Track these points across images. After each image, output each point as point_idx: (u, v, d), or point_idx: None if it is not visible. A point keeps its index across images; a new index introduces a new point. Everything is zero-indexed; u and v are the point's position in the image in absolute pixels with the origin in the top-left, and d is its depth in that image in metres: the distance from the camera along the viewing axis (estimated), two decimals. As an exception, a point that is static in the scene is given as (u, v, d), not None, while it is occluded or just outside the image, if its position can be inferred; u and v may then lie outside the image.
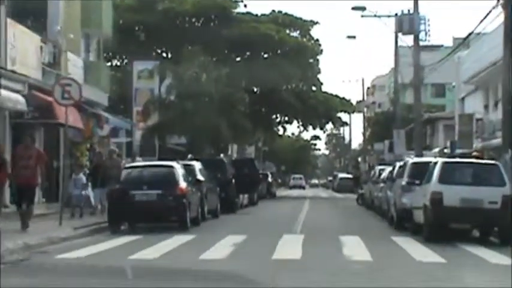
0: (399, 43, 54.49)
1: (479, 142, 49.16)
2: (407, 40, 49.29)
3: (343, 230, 24.65)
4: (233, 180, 35.61)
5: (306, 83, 65.69)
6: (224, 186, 34.50)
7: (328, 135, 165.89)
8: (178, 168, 24.83)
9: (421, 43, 45.22)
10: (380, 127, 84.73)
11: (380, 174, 39.09)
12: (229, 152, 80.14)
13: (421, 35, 45.02)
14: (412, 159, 27.91)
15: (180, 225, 23.90)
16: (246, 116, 60.77)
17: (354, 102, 79.70)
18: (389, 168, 35.10)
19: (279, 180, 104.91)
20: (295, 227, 26.27)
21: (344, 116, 71.65)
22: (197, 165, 30.20)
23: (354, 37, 56.41)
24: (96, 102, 39.50)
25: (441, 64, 48.39)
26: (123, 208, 23.32)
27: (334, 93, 68.02)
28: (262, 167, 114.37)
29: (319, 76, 68.25)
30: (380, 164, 49.81)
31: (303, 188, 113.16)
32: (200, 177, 29.07)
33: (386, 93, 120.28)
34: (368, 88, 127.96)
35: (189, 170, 27.63)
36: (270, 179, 63.20)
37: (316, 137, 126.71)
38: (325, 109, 64.91)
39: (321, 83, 68.38)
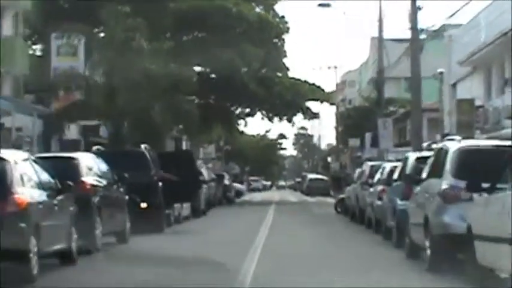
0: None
1: (479, 134, 39.44)
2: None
3: (338, 279, 12.63)
4: (159, 184, 23.46)
5: (270, 66, 53.67)
6: (144, 193, 22.48)
7: (295, 134, 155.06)
8: (16, 165, 12.42)
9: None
10: (353, 122, 73.64)
11: (372, 174, 27.20)
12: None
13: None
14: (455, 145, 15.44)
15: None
16: (196, 103, 49.05)
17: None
18: (390, 166, 23.30)
19: (243, 183, 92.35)
20: (244, 272, 13.79)
21: (314, 107, 59.75)
22: (87, 159, 17.92)
23: (328, 5, 43.97)
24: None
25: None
26: None
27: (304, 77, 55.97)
28: (224, 168, 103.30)
29: (285, 60, 56.38)
30: (365, 160, 38.39)
31: (259, 190, 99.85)
32: (85, 179, 16.89)
33: (357, 89, 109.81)
34: (337, 84, 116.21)
35: (62, 168, 15.55)
36: (227, 181, 50.91)
37: (283, 136, 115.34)
38: (292, 97, 52.84)
39: (287, 68, 56.44)
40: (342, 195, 36.09)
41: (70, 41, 39.26)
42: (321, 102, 57.61)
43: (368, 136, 48.57)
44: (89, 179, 17.12)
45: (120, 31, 31.84)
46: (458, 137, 14.32)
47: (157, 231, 22.83)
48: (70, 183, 14.14)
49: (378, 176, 24.87)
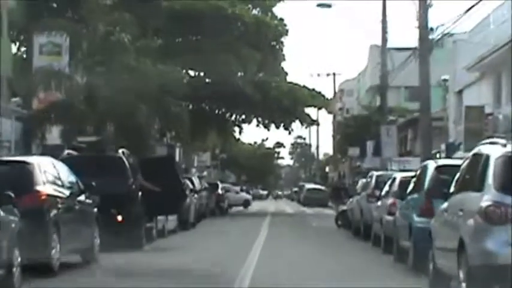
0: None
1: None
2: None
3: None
4: (139, 194, 20.39)
5: (267, 71, 50.70)
6: (121, 204, 19.47)
7: (292, 144, 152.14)
8: None
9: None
10: (352, 131, 70.80)
11: (378, 185, 24.22)
12: (178, 159, 65.04)
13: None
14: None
15: None
16: (190, 109, 46.12)
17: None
18: (401, 176, 20.37)
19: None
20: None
21: (313, 114, 56.76)
22: (45, 165, 14.78)
23: (329, 6, 41.00)
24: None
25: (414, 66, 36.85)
26: None
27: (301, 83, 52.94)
28: (220, 176, 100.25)
29: (283, 64, 53.48)
30: (368, 170, 35.35)
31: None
32: (41, 188, 13.82)
33: (355, 98, 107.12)
34: (335, 93, 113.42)
35: (14, 175, 12.64)
36: (220, 191, 47.81)
37: (280, 145, 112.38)
38: (290, 103, 49.78)
39: (286, 73, 53.52)
40: (343, 208, 33.04)
41: (53, 39, 36.13)
42: (320, 108, 54.63)
43: (370, 144, 45.61)
44: (46, 188, 14.10)
45: (101, 25, 28.77)
46: (502, 140, 11.22)
47: (136, 247, 19.80)
48: (10, 193, 11.13)
49: (386, 187, 21.88)
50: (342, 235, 28.46)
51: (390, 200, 19.88)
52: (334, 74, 78.23)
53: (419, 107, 31.24)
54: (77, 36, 29.74)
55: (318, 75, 77.16)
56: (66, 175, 15.61)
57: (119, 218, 19.52)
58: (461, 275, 10.59)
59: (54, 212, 13.91)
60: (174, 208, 22.80)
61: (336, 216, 32.82)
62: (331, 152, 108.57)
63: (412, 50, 37.12)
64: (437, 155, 49.87)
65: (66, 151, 21.49)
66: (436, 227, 12.63)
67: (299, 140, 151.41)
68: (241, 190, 70.62)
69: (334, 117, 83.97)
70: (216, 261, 16.77)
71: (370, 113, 73.65)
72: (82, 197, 15.85)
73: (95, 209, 16.49)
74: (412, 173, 20.66)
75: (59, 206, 14.26)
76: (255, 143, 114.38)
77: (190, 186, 34.73)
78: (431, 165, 15.85)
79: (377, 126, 64.57)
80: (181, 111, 34.73)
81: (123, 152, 20.94)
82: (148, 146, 32.28)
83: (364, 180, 30.16)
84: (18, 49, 42.89)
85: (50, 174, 14.63)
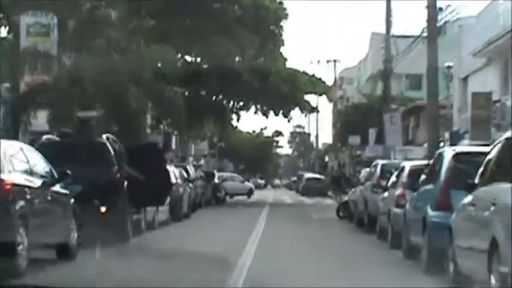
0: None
1: (495, 132, 35.10)
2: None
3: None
4: (124, 183, 18.60)
5: (266, 56, 48.85)
6: (104, 194, 17.72)
7: (291, 132, 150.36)
8: None
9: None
10: (353, 119, 69.10)
11: (383, 174, 22.50)
12: (173, 148, 63.29)
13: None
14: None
15: None
16: (186, 96, 44.48)
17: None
18: (411, 165, 18.69)
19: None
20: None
21: (313, 101, 55.02)
22: (12, 151, 12.99)
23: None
24: None
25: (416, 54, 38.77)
26: None
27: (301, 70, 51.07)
28: (219, 165, 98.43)
29: (282, 50, 51.61)
30: (368, 159, 33.55)
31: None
32: (6, 176, 12.02)
33: (355, 86, 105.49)
34: (335, 80, 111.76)
35: None
36: (216, 180, 46.03)
37: (279, 133, 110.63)
38: (290, 89, 47.95)
39: (285, 59, 51.68)
40: (344, 198, 31.31)
41: (41, 19, 34.20)
42: (320, 95, 52.84)
43: (372, 132, 43.81)
44: (12, 177, 12.33)
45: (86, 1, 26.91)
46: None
47: (122, 241, 18.05)
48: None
49: (393, 177, 20.13)
50: (345, 227, 26.69)
51: (399, 191, 18.14)
52: (334, 61, 76.45)
53: (426, 92, 29.47)
54: (62, 13, 27.85)
55: (318, 62, 75.48)
56: (38, 162, 13.84)
57: (102, 209, 17.76)
58: (493, 280, 8.86)
59: (21, 203, 12.13)
60: (159, 199, 20.95)
61: (337, 207, 31.07)
62: (330, 142, 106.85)
63: (417, 37, 35.59)
64: (441, 144, 48.31)
65: (45, 136, 19.67)
66: (459, 223, 10.87)
67: (298, 129, 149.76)
68: (246, 180, 69.48)
69: (335, 105, 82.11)
70: (206, 260, 14.99)
71: (370, 102, 72.10)
72: (56, 187, 14.07)
73: (72, 200, 14.70)
74: (422, 162, 18.96)
75: (28, 196, 12.50)
76: (254, 131, 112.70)
77: (185, 175, 33.01)
78: (448, 152, 14.06)
79: (378, 115, 63.06)
80: (175, 96, 32.89)
81: (107, 138, 19.14)
82: (140, 132, 30.47)
83: (367, 169, 28.43)
84: (9, 32, 41.10)
85: (18, 161, 12.87)
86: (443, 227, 12.23)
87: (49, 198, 13.44)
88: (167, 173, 20.63)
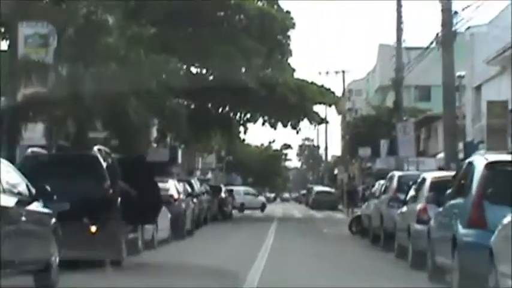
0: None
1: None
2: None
3: None
4: (118, 200, 16.78)
5: (273, 66, 47.06)
6: (95, 212, 15.94)
7: (300, 145, 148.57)
8: None
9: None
10: (362, 131, 67.40)
11: (400, 187, 20.70)
12: (180, 161, 61.51)
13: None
14: None
15: None
16: (192, 109, 42.86)
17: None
18: (432, 176, 16.93)
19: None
20: None
21: (322, 113, 53.16)
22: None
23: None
24: None
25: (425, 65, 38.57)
26: None
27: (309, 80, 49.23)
28: (227, 179, 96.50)
29: (290, 61, 49.77)
30: (379, 171, 31.62)
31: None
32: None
33: (364, 98, 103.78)
34: (344, 90, 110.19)
35: None
36: (223, 194, 44.20)
37: (288, 146, 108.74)
38: (298, 100, 46.14)
39: (293, 69, 49.88)
40: (357, 213, 29.50)
41: (40, 29, 32.55)
42: (329, 106, 51.05)
43: (384, 143, 41.96)
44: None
45: (83, 6, 25.18)
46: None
47: (115, 263, 16.28)
48: None
49: (411, 191, 18.29)
50: (358, 244, 24.81)
51: (420, 206, 16.31)
52: (343, 72, 74.38)
53: (442, 99, 27.66)
54: (58, 21, 26.13)
55: (327, 73, 73.36)
56: (13, 178, 12.06)
57: (93, 228, 15.96)
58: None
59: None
60: (147, 217, 18.96)
61: (350, 221, 29.20)
62: (339, 154, 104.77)
63: (430, 43, 33.90)
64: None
65: (30, 149, 17.92)
66: (502, 245, 9.05)
67: (307, 142, 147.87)
68: (259, 194, 68.93)
69: (344, 117, 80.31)
70: (209, 279, 13.19)
71: (380, 113, 70.31)
72: (34, 206, 12.28)
73: (53, 220, 12.89)
74: (445, 173, 17.16)
75: (-1, 216, 10.72)
76: (262, 145, 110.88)
77: (189, 189, 31.25)
78: (480, 161, 12.21)
79: (387, 127, 61.32)
80: (178, 107, 31.10)
81: (99, 150, 17.34)
82: (143, 145, 28.70)
83: (381, 181, 26.60)
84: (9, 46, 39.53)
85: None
86: (478, 248, 10.47)
87: (24, 218, 11.64)
88: (156, 188, 18.56)
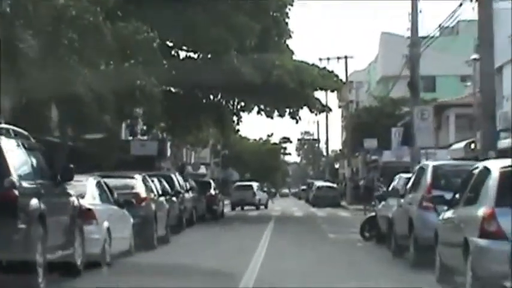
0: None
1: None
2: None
3: None
4: (32, 203, 10.90)
5: (269, 46, 41.12)
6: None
7: (299, 139, 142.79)
8: None
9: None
10: (366, 122, 62.05)
11: (437, 182, 14.86)
12: (169, 154, 55.73)
13: None
14: None
15: None
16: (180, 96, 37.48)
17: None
18: (500, 167, 11.02)
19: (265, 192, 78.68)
20: None
21: (322, 97, 47.31)
22: None
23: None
24: None
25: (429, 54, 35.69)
26: None
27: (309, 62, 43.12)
28: (223, 174, 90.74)
29: (289, 42, 43.89)
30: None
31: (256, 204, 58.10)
32: None
33: (365, 90, 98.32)
34: (347, 78, 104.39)
35: None
36: (213, 192, 38.14)
37: (287, 140, 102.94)
38: (297, 85, 40.17)
39: (292, 51, 44.00)
40: (370, 214, 23.64)
41: None
42: (332, 91, 45.15)
43: (396, 132, 35.87)
44: None
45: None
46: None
47: None
48: None
49: (464, 188, 12.41)
50: (376, 256, 18.86)
51: (485, 210, 10.41)
52: (346, 57, 68.21)
53: (480, 72, 21.92)
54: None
55: (328, 59, 67.04)
56: None
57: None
58: None
59: None
60: None
61: (363, 224, 23.24)
62: (339, 149, 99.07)
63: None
64: (472, 146, 40.82)
65: None
66: None
67: (306, 137, 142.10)
68: (264, 191, 66.19)
69: (347, 105, 74.54)
70: None
71: (383, 104, 64.86)
72: None
73: None
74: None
75: None
76: (260, 138, 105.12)
77: (166, 186, 25.49)
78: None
79: (392, 119, 55.98)
80: (150, 86, 25.16)
81: (7, 130, 11.53)
82: (99, 126, 22.85)
83: (402, 175, 20.76)
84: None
85: None
86: None
87: None
88: None
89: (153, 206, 20.16)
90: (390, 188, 21.15)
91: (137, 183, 20.27)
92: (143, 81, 24.49)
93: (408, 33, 33.49)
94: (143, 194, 19.98)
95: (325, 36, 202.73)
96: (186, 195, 30.00)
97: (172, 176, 28.54)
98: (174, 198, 26.01)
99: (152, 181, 23.23)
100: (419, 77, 71.24)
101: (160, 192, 22.79)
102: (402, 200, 17.11)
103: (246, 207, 54.55)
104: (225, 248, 20.74)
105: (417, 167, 17.33)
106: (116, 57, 22.44)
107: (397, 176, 21.42)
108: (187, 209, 29.39)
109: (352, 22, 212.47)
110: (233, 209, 53.12)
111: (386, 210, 19.85)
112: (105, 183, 17.15)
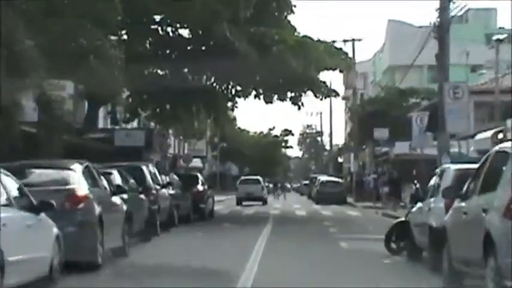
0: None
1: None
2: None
3: None
4: None
5: (268, 21, 34.93)
6: None
7: (300, 133, 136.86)
8: None
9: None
10: (374, 111, 56.99)
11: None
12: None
13: None
14: None
15: None
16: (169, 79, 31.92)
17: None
18: None
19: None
20: None
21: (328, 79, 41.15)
22: None
23: None
24: None
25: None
26: None
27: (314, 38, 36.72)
28: (222, 167, 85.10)
29: (290, 18, 37.70)
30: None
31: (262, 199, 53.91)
32: None
33: (370, 81, 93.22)
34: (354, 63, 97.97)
35: None
36: (200, 187, 31.73)
37: (288, 132, 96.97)
38: (299, 64, 33.88)
39: (294, 27, 37.70)
40: (404, 218, 17.31)
41: None
42: (341, 71, 38.98)
43: (417, 117, 29.33)
44: None
45: None
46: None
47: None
48: None
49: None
50: (415, 280, 12.65)
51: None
52: (353, 40, 61.72)
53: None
54: None
55: (334, 41, 60.60)
56: None
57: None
58: None
59: None
60: None
61: (388, 232, 16.93)
62: (341, 143, 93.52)
63: None
64: (500, 135, 35.20)
65: None
66: None
67: (308, 130, 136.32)
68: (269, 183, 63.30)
69: (354, 92, 68.61)
70: None
71: (390, 95, 60.00)
72: None
73: None
74: None
75: None
76: (262, 132, 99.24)
77: (131, 181, 19.39)
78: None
79: (400, 109, 51.00)
80: (111, 47, 18.99)
81: None
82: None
83: (452, 167, 14.49)
84: None
85: None
86: None
87: None
88: None
89: (95, 210, 13.90)
90: (432, 185, 14.84)
91: (75, 176, 14.07)
92: (98, 40, 18.39)
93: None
94: (81, 192, 13.78)
95: (328, 22, 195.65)
96: (163, 191, 23.83)
97: (144, 167, 22.30)
98: (142, 196, 19.89)
99: (109, 174, 17.18)
100: (429, 66, 65.35)
101: (114, 188, 16.55)
102: (463, 204, 10.76)
103: (244, 204, 50.12)
104: (201, 265, 14.51)
105: (488, 154, 10.76)
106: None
107: (440, 168, 15.11)
108: (164, 209, 23.22)
109: (356, 9, 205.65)
110: (238, 204, 50.17)
111: (426, 216, 13.56)
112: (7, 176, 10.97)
